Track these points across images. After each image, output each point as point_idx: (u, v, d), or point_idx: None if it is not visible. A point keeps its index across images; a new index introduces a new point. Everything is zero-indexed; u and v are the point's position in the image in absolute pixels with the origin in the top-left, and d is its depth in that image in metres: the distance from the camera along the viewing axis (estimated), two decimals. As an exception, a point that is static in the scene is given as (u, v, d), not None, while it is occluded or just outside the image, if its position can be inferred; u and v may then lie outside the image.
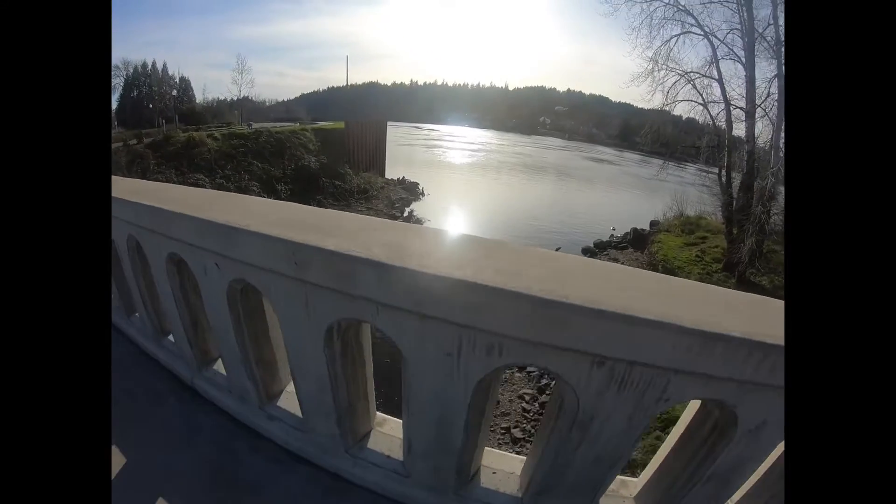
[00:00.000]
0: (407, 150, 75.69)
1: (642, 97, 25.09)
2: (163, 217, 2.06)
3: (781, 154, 18.52)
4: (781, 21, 17.99)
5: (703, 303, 1.37)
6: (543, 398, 12.42)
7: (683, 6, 21.35)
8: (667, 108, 23.66)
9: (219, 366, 2.61)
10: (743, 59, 20.02)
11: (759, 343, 1.12)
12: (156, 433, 2.35)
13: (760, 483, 1.67)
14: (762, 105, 19.50)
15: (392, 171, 46.96)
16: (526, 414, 11.98)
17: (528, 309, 1.23)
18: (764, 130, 20.14)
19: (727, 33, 20.44)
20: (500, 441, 10.82)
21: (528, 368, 12.97)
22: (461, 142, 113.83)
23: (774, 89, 19.02)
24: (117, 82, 53.09)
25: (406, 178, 45.23)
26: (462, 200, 40.70)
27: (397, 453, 2.02)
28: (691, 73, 21.83)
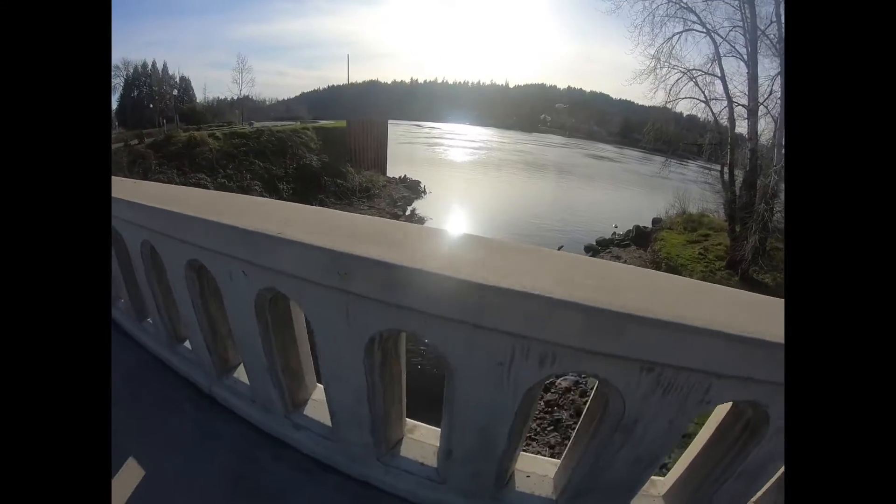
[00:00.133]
0: (408, 148, 75.62)
1: (644, 95, 24.95)
2: (184, 223, 2.00)
3: (784, 151, 18.48)
4: (784, 18, 17.93)
5: (740, 308, 1.39)
6: (549, 396, 12.45)
7: (685, 4, 21.32)
8: (669, 106, 23.64)
9: (239, 373, 2.58)
10: (745, 57, 20.00)
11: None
12: (173, 442, 2.31)
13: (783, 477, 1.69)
14: (765, 103, 19.49)
15: (393, 170, 46.92)
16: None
17: (586, 318, 1.24)
18: (767, 128, 20.14)
19: (729, 30, 20.39)
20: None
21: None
22: (462, 140, 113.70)
23: (777, 87, 19.01)
24: (117, 82, 53.08)
25: (408, 176, 45.19)
26: (464, 198, 40.64)
27: (430, 460, 2.02)
28: (693, 71, 21.79)
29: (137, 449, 2.17)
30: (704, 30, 21.10)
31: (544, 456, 2.10)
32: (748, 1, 19.19)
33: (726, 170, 22.08)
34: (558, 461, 2.01)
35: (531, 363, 1.39)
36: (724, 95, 21.16)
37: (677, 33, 21.97)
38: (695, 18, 21.26)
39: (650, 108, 28.40)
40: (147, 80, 57.05)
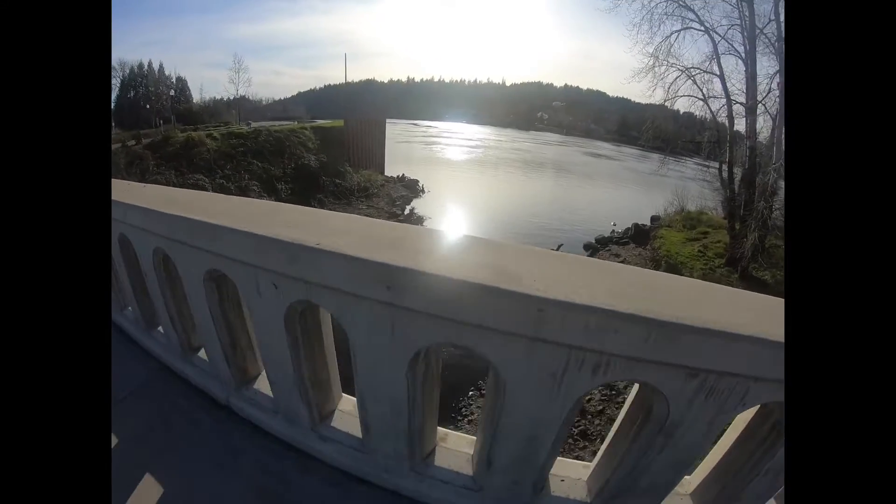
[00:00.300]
0: (405, 147, 75.55)
1: (642, 93, 25.07)
2: (206, 231, 1.93)
3: (783, 149, 18.55)
4: (783, 17, 17.99)
5: (777, 314, 1.41)
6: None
7: (684, 2, 21.37)
8: (667, 104, 23.70)
9: (259, 384, 2.53)
10: (743, 55, 20.07)
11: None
12: (193, 456, 2.22)
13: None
14: (763, 101, 19.55)
15: (391, 169, 46.94)
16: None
17: (643, 329, 1.26)
18: (765, 126, 20.22)
19: (728, 29, 20.47)
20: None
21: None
22: (459, 138, 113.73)
23: (775, 85, 19.09)
24: (114, 83, 52.82)
25: (405, 175, 45.20)
26: (462, 198, 40.66)
27: (465, 468, 2.01)
28: (692, 69, 21.86)
29: (154, 463, 2.11)
30: (703, 28, 21.20)
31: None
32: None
33: (725, 167, 22.16)
34: (590, 464, 2.02)
35: (584, 373, 1.40)
36: (722, 93, 21.26)
37: (676, 31, 22.07)
38: (693, 17, 21.37)
39: (647, 105, 28.45)
40: (143, 81, 56.83)
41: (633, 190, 49.04)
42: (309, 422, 2.20)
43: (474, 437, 2.13)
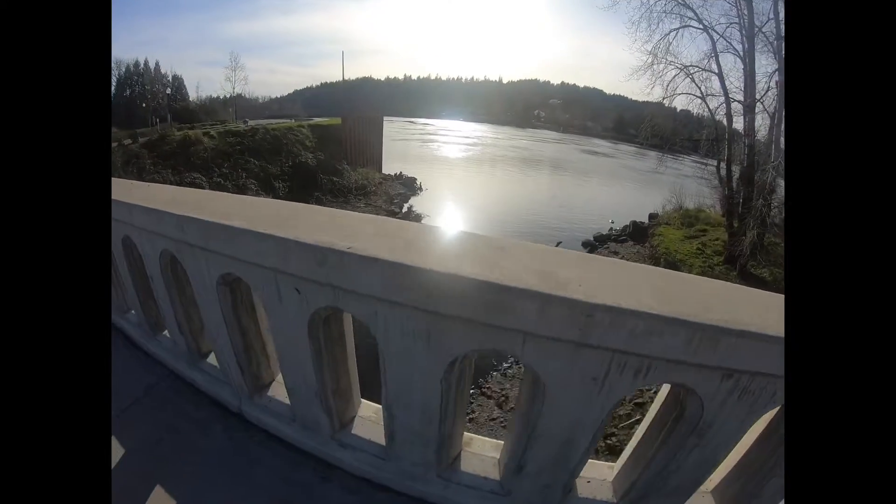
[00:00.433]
0: (402, 145, 75.29)
1: (640, 90, 25.14)
2: (220, 233, 1.84)
3: (783, 147, 18.61)
4: (782, 15, 18.03)
5: None
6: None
7: (683, 0, 21.37)
8: (665, 102, 23.74)
9: (274, 391, 2.46)
10: (742, 54, 20.11)
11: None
12: (207, 466, 2.15)
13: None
14: (761, 99, 19.60)
15: (388, 167, 46.79)
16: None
17: (687, 333, 1.26)
18: (763, 124, 20.28)
19: (726, 27, 20.52)
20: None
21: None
22: (456, 136, 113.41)
23: (773, 84, 19.16)
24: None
25: (403, 173, 45.06)
26: (460, 195, 40.60)
27: (492, 473, 1.99)
28: (690, 67, 21.89)
29: (164, 474, 2.05)
30: (701, 26, 21.23)
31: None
32: (745, -2, 19.29)
33: (723, 165, 22.22)
34: (613, 464, 2.02)
35: (626, 377, 1.40)
36: (720, 91, 21.33)
37: (674, 29, 22.10)
38: (692, 15, 21.40)
39: (644, 103, 28.50)
40: (139, 80, 56.55)
41: (630, 187, 49.12)
42: (329, 430, 2.15)
43: (498, 441, 2.11)
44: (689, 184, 29.09)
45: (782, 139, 18.80)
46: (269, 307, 1.96)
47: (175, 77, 63.19)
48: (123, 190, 2.54)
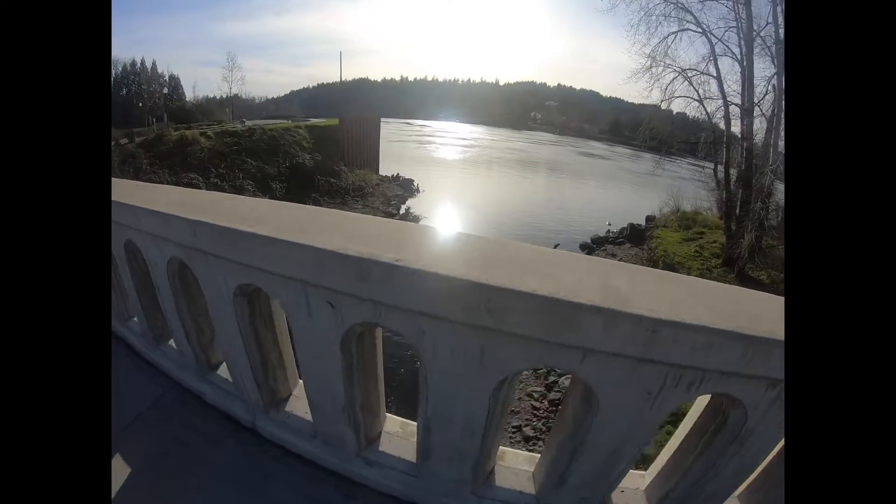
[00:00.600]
0: (399, 146, 75.31)
1: (637, 93, 25.27)
2: (240, 241, 1.68)
3: (781, 150, 18.73)
4: (780, 20, 18.15)
5: None
6: (552, 395, 12.47)
7: (682, 3, 21.51)
8: (663, 105, 23.88)
9: (292, 406, 2.35)
10: (739, 57, 20.23)
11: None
12: (218, 480, 2.06)
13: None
14: (759, 103, 19.72)
15: (385, 168, 46.84)
16: (536, 412, 12.01)
17: (744, 346, 1.25)
18: (761, 127, 20.41)
19: (725, 31, 20.66)
20: (512, 440, 10.84)
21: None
22: (453, 137, 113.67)
23: (771, 87, 19.31)
24: (106, 81, 52.16)
25: (400, 174, 45.13)
26: (457, 197, 40.66)
27: (527, 487, 1.94)
28: (688, 71, 22.02)
29: (173, 489, 1.97)
30: (700, 30, 21.36)
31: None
32: (744, 2, 19.39)
33: (720, 168, 22.36)
34: (645, 473, 1.99)
35: (679, 390, 1.38)
36: (718, 95, 21.45)
37: (673, 33, 22.24)
38: (691, 18, 21.54)
39: (640, 105, 28.67)
40: (136, 79, 56.27)
41: (627, 190, 49.33)
42: (355, 446, 2.05)
43: (533, 454, 2.06)
44: (686, 186, 29.26)
45: (780, 142, 18.92)
46: (294, 321, 1.81)
47: (172, 77, 62.97)
48: (126, 191, 2.40)
